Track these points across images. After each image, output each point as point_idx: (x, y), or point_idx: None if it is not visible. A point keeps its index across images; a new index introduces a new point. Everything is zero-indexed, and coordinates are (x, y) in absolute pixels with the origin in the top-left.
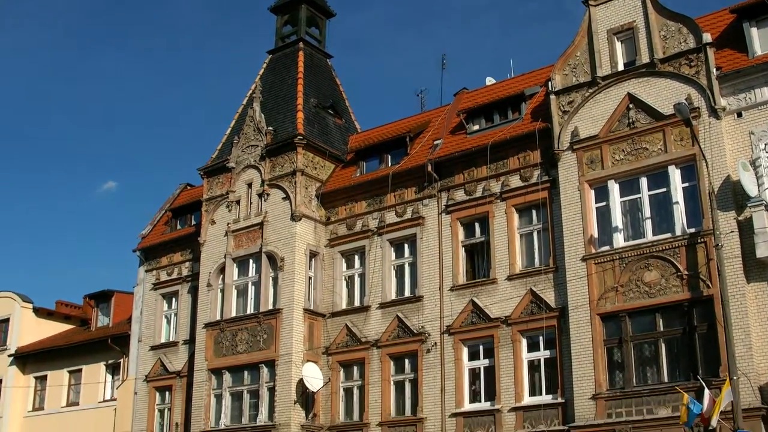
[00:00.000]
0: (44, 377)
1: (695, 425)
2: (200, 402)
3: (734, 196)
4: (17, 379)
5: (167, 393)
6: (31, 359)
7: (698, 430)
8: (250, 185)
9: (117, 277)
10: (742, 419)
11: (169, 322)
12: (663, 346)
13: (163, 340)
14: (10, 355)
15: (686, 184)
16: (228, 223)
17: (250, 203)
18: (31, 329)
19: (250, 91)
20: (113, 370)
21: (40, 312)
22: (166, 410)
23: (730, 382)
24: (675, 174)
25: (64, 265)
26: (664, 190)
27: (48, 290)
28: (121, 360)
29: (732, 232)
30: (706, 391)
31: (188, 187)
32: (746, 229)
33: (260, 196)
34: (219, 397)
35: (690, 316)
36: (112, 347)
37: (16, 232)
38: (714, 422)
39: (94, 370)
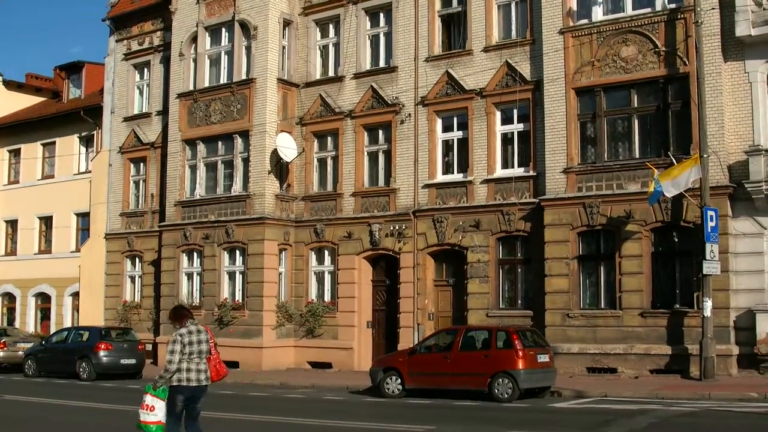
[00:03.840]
0: (18, 151)
1: (661, 201)
2: (175, 173)
3: None
4: None
5: (142, 164)
6: (3, 132)
7: (665, 206)
8: None
9: (88, 50)
10: (709, 197)
11: (141, 93)
12: (636, 122)
13: (136, 112)
14: None
15: None
16: None
17: None
18: (1, 103)
19: None
20: (87, 142)
21: (9, 85)
22: (141, 181)
23: (700, 159)
24: None
25: (33, 37)
26: None
27: (17, 63)
28: (95, 132)
29: (713, 9)
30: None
31: None
32: (727, 7)
33: None
34: (194, 168)
35: (665, 93)
36: (85, 119)
37: None
38: (665, 189)
39: (68, 142)
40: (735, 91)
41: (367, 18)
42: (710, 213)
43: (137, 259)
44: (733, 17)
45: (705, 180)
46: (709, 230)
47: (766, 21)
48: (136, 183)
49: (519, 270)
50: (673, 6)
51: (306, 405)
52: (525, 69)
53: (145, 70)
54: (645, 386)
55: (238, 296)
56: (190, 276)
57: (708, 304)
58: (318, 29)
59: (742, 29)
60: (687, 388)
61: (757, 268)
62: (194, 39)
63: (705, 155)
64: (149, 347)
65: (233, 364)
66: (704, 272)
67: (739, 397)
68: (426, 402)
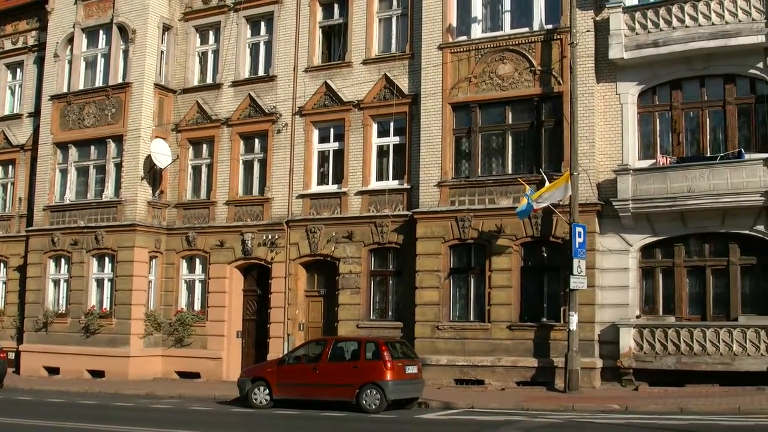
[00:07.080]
0: None
1: (532, 216)
2: (45, 176)
3: None
4: None
5: (10, 167)
6: None
7: (536, 221)
8: None
9: None
10: (578, 213)
11: (13, 93)
12: (510, 138)
13: (6, 113)
14: None
15: None
16: None
17: None
18: None
19: None
20: None
21: None
22: (8, 184)
23: (570, 177)
24: None
25: None
26: None
27: None
28: None
29: (588, 31)
30: (547, 184)
31: None
32: (602, 30)
33: None
34: (64, 172)
35: (539, 111)
36: None
37: None
38: (536, 205)
39: None
40: (606, 111)
41: (248, 26)
42: (578, 229)
43: (2, 265)
44: (607, 40)
45: (575, 197)
46: (577, 246)
47: (639, 45)
48: (4, 186)
49: (390, 282)
50: (550, 27)
51: (171, 415)
52: (403, 83)
53: (18, 70)
54: (511, 398)
55: (106, 304)
56: (57, 283)
57: (574, 318)
58: (198, 35)
59: (615, 52)
60: (552, 399)
61: (622, 284)
62: (70, 40)
63: (575, 173)
64: (12, 355)
65: (99, 374)
66: (571, 287)
67: (602, 408)
68: (293, 413)
